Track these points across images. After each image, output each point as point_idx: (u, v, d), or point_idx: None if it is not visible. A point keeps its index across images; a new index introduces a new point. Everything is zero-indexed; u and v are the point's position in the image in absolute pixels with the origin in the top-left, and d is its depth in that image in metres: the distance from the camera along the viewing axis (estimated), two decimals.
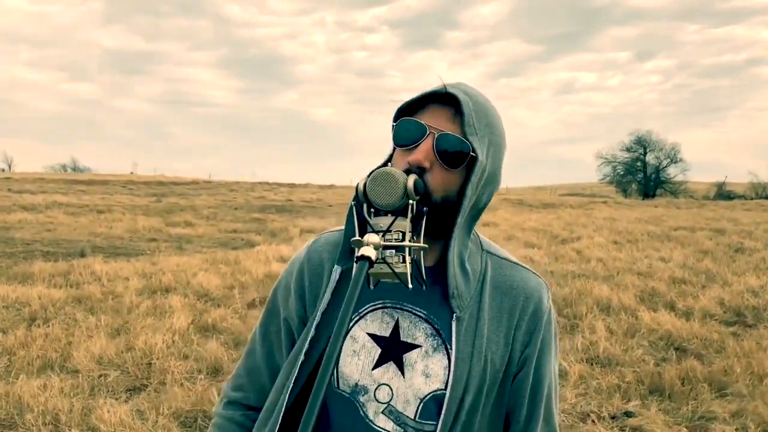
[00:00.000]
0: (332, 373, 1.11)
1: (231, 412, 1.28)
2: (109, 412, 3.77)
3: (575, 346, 5.44)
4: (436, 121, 1.05)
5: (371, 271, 0.92)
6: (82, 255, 10.35)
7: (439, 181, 1.03)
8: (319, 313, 1.14)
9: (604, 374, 4.77)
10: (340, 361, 1.13)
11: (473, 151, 1.03)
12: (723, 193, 48.52)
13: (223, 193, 31.34)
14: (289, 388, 1.13)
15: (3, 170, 63.82)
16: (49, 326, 5.75)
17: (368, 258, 0.87)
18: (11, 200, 21.65)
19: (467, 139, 1.03)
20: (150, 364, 4.86)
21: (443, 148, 1.03)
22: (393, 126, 1.08)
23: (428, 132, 1.03)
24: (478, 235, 1.18)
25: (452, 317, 1.09)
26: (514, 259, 1.21)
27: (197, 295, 7.34)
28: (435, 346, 1.10)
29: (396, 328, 1.12)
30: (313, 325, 1.13)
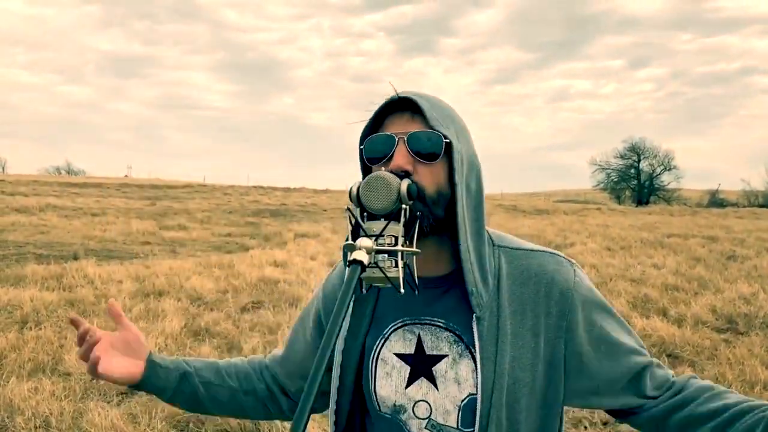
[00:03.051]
0: (373, 398, 1.16)
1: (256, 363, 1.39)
2: (100, 415, 3.75)
3: None
4: (398, 128, 1.07)
5: (363, 275, 0.93)
6: (75, 258, 10.31)
7: (428, 177, 1.04)
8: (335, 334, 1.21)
9: None
10: (377, 385, 1.15)
11: (446, 137, 1.04)
12: (716, 201, 48.75)
13: (218, 197, 31.30)
14: (333, 410, 1.19)
15: None
16: (41, 329, 5.73)
17: (360, 262, 0.87)
18: (4, 202, 21.54)
19: (435, 130, 1.04)
20: None
21: (417, 145, 1.04)
22: (361, 149, 1.11)
23: (397, 139, 1.05)
24: (487, 231, 1.17)
25: (472, 319, 1.08)
26: (527, 246, 1.17)
27: (190, 298, 7.32)
28: (460, 352, 1.09)
29: (419, 344, 1.12)
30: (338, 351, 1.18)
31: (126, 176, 64.23)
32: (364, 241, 0.90)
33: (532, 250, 1.15)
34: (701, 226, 21.49)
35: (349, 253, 0.90)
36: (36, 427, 3.72)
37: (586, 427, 4.01)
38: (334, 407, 1.17)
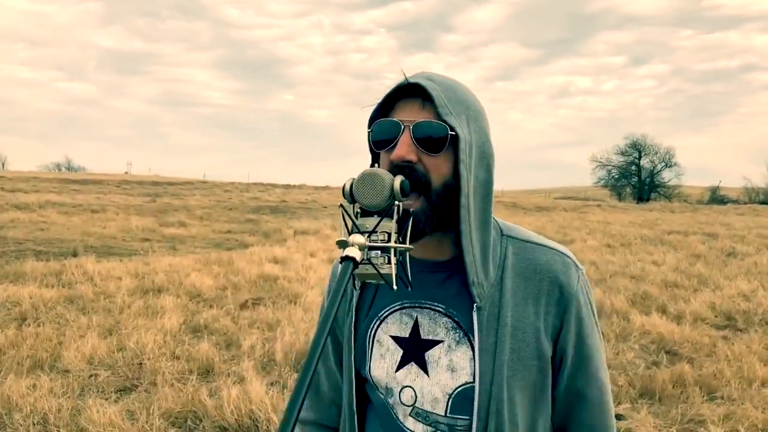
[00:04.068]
0: (370, 380, 1.16)
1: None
2: (98, 412, 3.75)
3: None
4: (407, 114, 1.05)
5: (356, 272, 0.92)
6: (75, 254, 10.31)
7: (433, 167, 1.03)
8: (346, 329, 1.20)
9: None
10: (372, 365, 1.15)
11: (452, 129, 1.02)
12: (717, 198, 48.77)
13: (218, 194, 31.30)
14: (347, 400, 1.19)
15: None
16: (40, 326, 5.73)
17: (353, 259, 0.86)
18: (4, 199, 21.54)
19: (443, 120, 1.02)
20: (141, 364, 4.84)
21: (421, 135, 1.03)
22: (368, 132, 1.09)
23: (403, 126, 1.04)
24: (497, 221, 1.15)
25: (473, 308, 1.07)
26: (538, 239, 1.15)
27: (189, 295, 7.32)
28: (457, 339, 1.09)
29: (416, 328, 1.12)
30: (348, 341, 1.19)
31: (126, 173, 64.24)
32: (356, 238, 0.90)
33: (540, 244, 1.14)
34: (701, 223, 21.49)
35: (341, 250, 0.89)
36: (34, 424, 3.72)
37: None
38: (349, 395, 1.18)
